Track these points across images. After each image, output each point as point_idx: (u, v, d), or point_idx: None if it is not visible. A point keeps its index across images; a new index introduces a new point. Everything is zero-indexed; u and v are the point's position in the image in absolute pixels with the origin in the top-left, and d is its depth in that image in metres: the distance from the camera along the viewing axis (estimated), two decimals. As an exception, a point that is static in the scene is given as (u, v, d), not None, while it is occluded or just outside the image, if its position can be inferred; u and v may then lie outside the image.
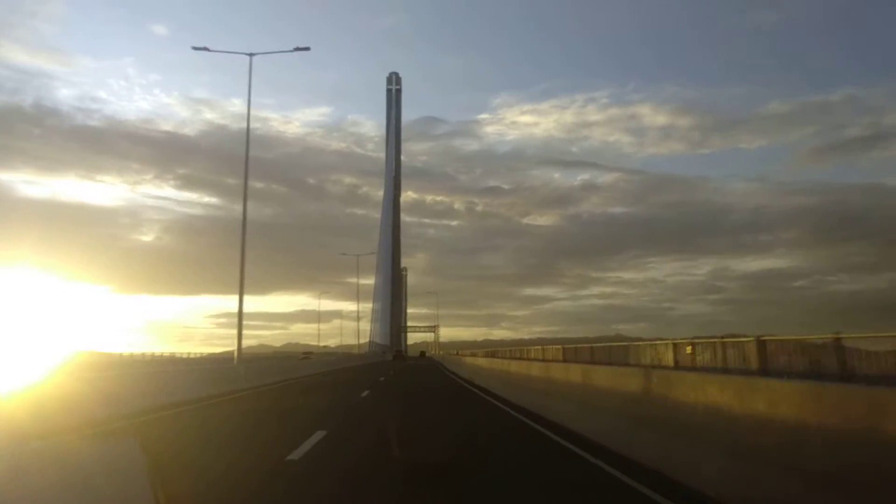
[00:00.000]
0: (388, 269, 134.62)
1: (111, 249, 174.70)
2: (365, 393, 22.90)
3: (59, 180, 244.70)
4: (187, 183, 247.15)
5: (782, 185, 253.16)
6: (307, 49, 32.09)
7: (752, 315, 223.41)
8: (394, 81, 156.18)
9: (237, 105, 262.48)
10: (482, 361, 34.67)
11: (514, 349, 39.73)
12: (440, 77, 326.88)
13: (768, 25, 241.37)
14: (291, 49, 32.32)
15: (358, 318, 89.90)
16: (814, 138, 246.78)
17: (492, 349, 51.71)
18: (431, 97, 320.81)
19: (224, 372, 24.59)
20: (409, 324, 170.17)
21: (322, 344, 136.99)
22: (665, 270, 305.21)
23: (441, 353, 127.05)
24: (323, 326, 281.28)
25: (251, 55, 31.58)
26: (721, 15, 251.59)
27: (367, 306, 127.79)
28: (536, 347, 32.04)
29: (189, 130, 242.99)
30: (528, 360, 27.33)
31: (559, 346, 25.07)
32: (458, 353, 74.57)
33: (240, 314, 29.41)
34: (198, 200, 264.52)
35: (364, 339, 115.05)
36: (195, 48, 31.04)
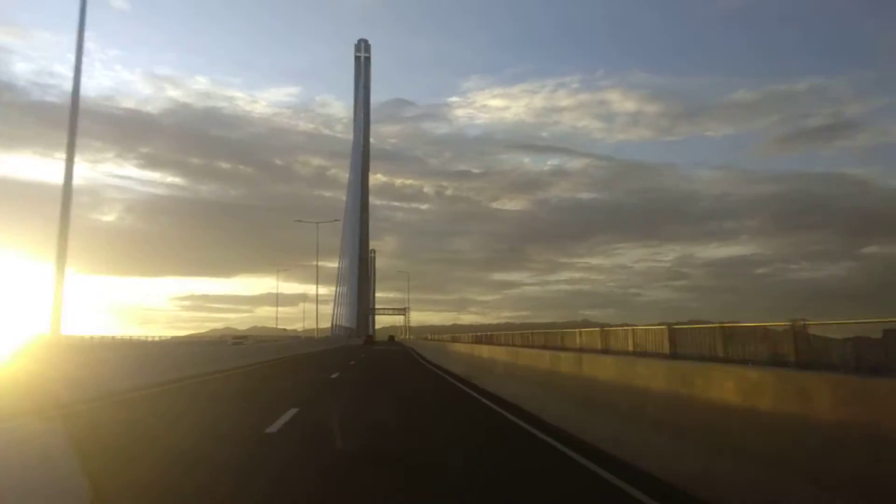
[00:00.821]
0: (356, 246, 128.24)
1: (71, 229, 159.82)
2: (290, 413, 11.33)
3: (16, 157, 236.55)
4: (150, 162, 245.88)
5: (747, 173, 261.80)
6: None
7: (716, 301, 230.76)
8: (363, 49, 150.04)
9: (202, 83, 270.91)
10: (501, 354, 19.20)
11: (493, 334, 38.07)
12: (410, 59, 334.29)
13: (736, 14, 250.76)
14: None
15: (317, 301, 79.32)
16: (778, 127, 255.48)
17: (476, 333, 48.78)
18: (401, 79, 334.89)
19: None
20: (377, 307, 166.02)
21: (290, 328, 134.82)
22: (632, 256, 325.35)
23: (411, 337, 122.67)
24: (290, 309, 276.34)
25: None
26: (690, 3, 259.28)
27: (333, 290, 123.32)
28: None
29: (152, 108, 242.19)
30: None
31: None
32: (433, 338, 68.18)
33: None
34: (161, 180, 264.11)
35: (331, 324, 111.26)
36: None
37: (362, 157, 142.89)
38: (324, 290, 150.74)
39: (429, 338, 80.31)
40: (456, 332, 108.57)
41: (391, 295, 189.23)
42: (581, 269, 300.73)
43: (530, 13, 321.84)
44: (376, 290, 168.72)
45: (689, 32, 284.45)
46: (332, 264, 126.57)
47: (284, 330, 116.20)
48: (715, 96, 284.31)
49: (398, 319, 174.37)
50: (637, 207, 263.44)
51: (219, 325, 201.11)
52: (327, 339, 75.96)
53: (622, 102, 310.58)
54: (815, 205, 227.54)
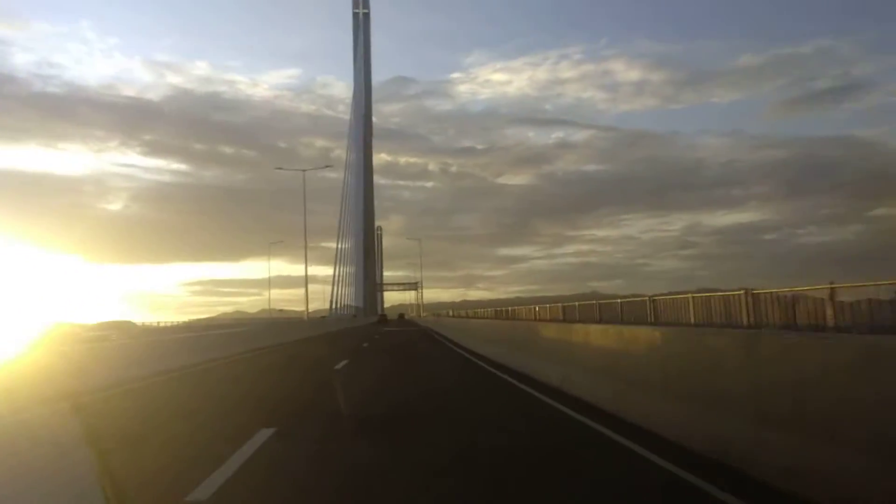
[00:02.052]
0: (360, 219, 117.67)
1: (78, 219, 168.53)
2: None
3: (21, 149, 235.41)
4: (153, 149, 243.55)
5: (754, 138, 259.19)
6: None
7: (724, 268, 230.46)
8: (361, 4, 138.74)
9: (202, 68, 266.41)
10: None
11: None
12: (411, 36, 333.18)
13: None
14: None
15: (307, 281, 66.14)
16: (785, 91, 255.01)
17: (497, 309, 43.61)
18: (403, 56, 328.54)
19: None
20: (385, 283, 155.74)
21: (300, 309, 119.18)
22: (639, 227, 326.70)
23: (424, 314, 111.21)
24: (299, 291, 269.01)
25: None
26: None
27: (341, 269, 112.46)
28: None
29: (153, 95, 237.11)
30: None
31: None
32: (453, 315, 59.82)
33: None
34: (165, 167, 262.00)
35: (330, 304, 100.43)
36: None
37: (364, 119, 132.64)
38: (331, 271, 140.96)
39: (447, 314, 70.00)
40: (465, 308, 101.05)
41: (399, 273, 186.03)
42: (588, 241, 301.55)
43: None
44: (384, 269, 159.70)
45: None
46: (341, 245, 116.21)
47: (282, 311, 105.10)
48: (720, 62, 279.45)
49: (407, 297, 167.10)
50: (643, 177, 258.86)
51: (229, 309, 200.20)
52: (323, 321, 60.67)
53: (626, 72, 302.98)
54: (824, 168, 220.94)
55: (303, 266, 79.54)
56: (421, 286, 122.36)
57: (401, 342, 32.11)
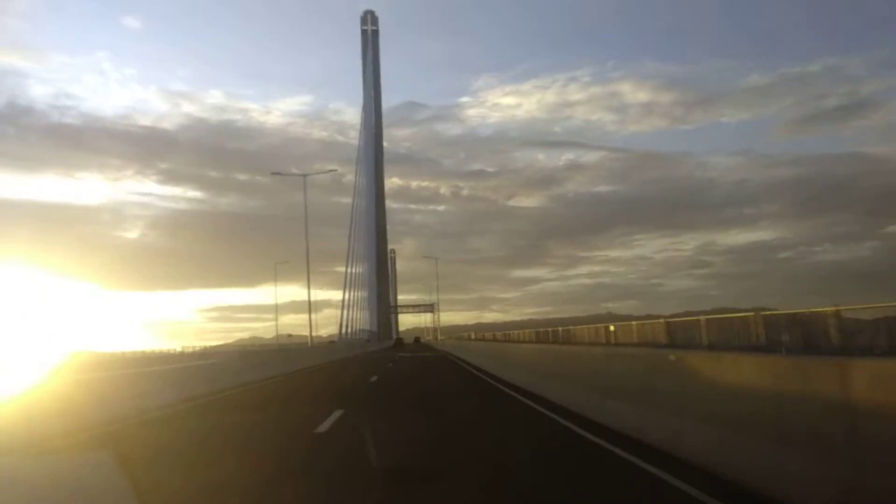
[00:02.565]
0: (372, 240, 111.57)
1: (96, 248, 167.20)
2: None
3: (39, 179, 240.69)
4: (169, 178, 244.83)
5: (764, 157, 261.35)
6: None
7: (739, 288, 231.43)
8: (369, 21, 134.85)
9: (216, 97, 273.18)
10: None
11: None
12: (421, 61, 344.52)
13: None
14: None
15: (310, 303, 58.71)
16: (794, 109, 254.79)
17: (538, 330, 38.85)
18: (412, 82, 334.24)
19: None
20: (400, 305, 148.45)
21: (315, 334, 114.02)
22: (652, 247, 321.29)
23: (442, 337, 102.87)
24: (314, 316, 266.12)
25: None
26: None
27: (354, 293, 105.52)
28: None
29: (168, 124, 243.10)
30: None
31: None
32: (475, 338, 53.35)
33: None
34: (181, 195, 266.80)
35: (354, 328, 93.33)
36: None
37: (375, 137, 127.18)
38: (346, 296, 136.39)
39: (468, 337, 62.79)
40: (480, 331, 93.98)
41: (413, 296, 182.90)
42: (601, 262, 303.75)
43: (538, 8, 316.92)
44: (398, 293, 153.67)
45: (698, 19, 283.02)
46: (352, 269, 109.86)
47: (291, 336, 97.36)
48: (728, 82, 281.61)
49: (422, 320, 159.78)
50: (654, 198, 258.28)
51: (245, 335, 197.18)
52: (331, 347, 52.53)
53: (634, 93, 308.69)
54: (836, 186, 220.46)
55: (318, 291, 74.04)
56: (437, 308, 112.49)
57: (421, 375, 25.19)
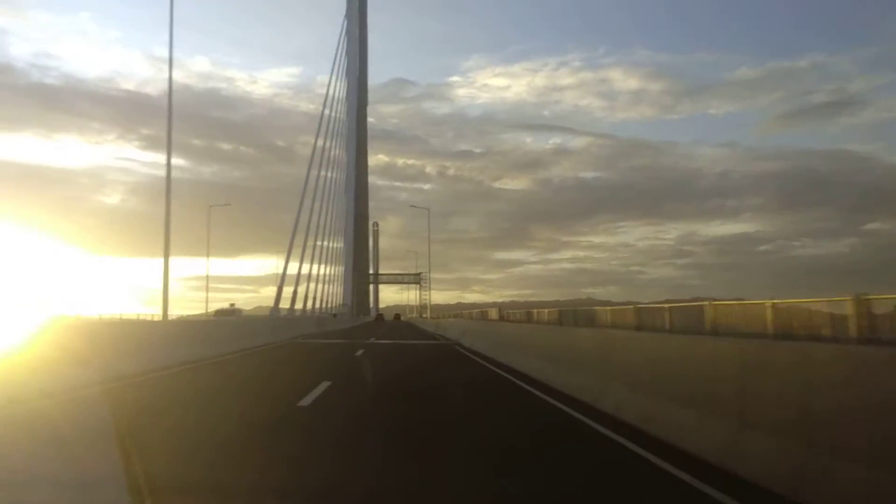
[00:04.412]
0: (352, 201, 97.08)
1: (74, 211, 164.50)
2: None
3: (17, 139, 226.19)
4: (151, 144, 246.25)
5: (749, 150, 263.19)
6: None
7: (718, 279, 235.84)
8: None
9: (202, 64, 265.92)
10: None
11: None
12: (412, 39, 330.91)
13: None
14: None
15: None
16: (781, 104, 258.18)
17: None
18: (402, 59, 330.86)
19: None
20: (381, 274, 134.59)
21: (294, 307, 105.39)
22: (635, 235, 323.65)
23: (425, 316, 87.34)
24: (292, 289, 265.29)
25: None
26: None
27: (309, 265, 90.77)
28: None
29: (151, 90, 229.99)
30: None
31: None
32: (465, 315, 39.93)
33: None
34: (163, 162, 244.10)
35: (328, 303, 79.92)
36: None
37: (358, 91, 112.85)
38: (329, 270, 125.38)
39: (464, 315, 49.19)
40: (461, 310, 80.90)
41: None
42: (584, 247, 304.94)
43: None
44: (379, 270, 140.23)
45: (691, 9, 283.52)
46: (331, 243, 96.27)
47: (232, 305, 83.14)
48: (717, 74, 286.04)
49: (405, 297, 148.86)
50: (639, 186, 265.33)
51: (224, 305, 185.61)
52: (274, 323, 34.63)
53: (624, 80, 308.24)
54: (818, 182, 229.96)
55: (299, 265, 60.78)
56: (426, 281, 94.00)
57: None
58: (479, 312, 45.12)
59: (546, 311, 25.80)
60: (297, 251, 59.55)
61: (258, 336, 24.37)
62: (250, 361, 17.90)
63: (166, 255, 23.04)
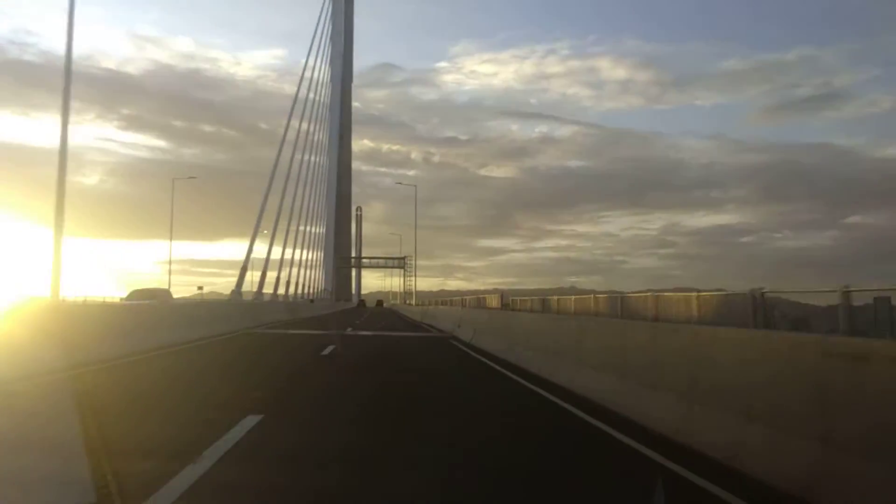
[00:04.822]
0: (333, 179, 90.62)
1: (52, 191, 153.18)
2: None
3: None
4: (132, 124, 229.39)
5: (735, 142, 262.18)
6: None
7: (701, 269, 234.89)
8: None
9: (185, 44, 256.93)
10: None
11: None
12: (399, 23, 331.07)
13: None
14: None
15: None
16: (767, 97, 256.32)
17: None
18: (389, 43, 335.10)
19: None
20: (364, 257, 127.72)
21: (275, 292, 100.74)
22: (619, 224, 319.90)
23: (411, 303, 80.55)
24: (274, 274, 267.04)
25: None
26: None
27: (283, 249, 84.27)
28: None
29: (133, 69, 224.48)
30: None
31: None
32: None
33: None
34: (143, 143, 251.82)
35: (301, 287, 73.24)
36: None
37: (343, 65, 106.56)
38: (309, 255, 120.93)
39: (457, 302, 43.59)
40: (443, 297, 75.46)
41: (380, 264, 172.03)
42: (568, 236, 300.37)
43: None
44: (362, 255, 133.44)
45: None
46: (310, 227, 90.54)
47: (200, 289, 76.67)
48: (705, 65, 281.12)
49: (388, 284, 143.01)
50: (625, 175, 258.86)
51: (205, 290, 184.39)
52: (229, 309, 27.37)
53: (612, 70, 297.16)
54: (802, 175, 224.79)
55: (290, 249, 55.30)
56: (415, 260, 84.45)
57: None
58: (473, 299, 38.90)
59: (572, 298, 19.61)
60: (270, 235, 53.83)
61: (198, 326, 18.35)
62: (143, 370, 11.80)
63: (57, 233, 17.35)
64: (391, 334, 24.96)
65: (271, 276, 53.62)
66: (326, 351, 15.92)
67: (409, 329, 28.83)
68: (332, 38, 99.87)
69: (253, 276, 50.36)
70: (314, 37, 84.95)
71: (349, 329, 27.00)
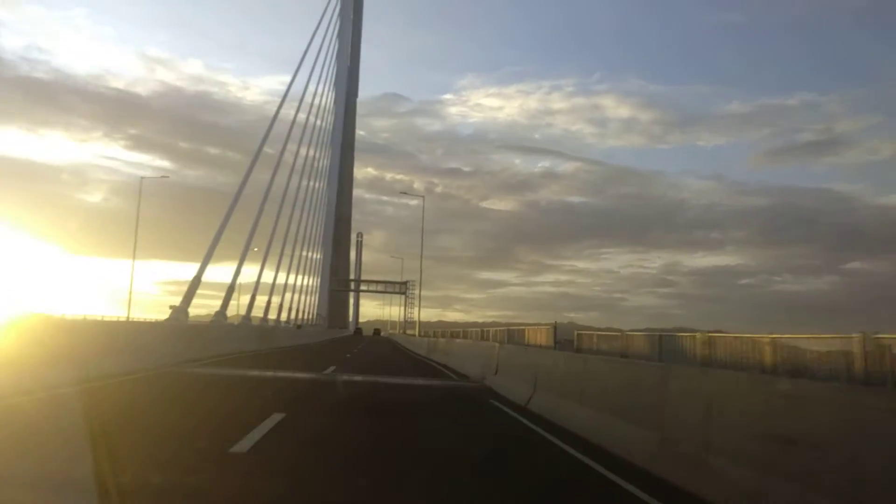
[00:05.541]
0: (333, 198, 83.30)
1: (55, 208, 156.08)
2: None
3: (1, 132, 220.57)
4: (138, 144, 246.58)
5: (736, 184, 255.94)
6: None
7: (700, 310, 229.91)
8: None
9: (195, 67, 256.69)
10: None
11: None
12: (406, 54, 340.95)
13: (734, 27, 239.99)
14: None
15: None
16: (769, 140, 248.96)
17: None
18: (396, 74, 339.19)
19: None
20: (363, 280, 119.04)
21: (271, 317, 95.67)
22: (619, 262, 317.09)
23: (410, 333, 71.46)
24: (274, 298, 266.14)
25: None
26: (690, 13, 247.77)
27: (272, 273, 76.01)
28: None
29: (141, 89, 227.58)
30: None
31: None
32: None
33: None
34: (149, 163, 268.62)
35: (294, 313, 65.27)
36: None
37: (348, 84, 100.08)
38: (312, 282, 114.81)
39: (470, 334, 35.46)
40: (444, 329, 67.21)
41: (378, 289, 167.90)
42: (567, 271, 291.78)
43: (531, 10, 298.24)
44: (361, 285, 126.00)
45: (686, 42, 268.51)
46: (309, 252, 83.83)
47: (171, 307, 69.25)
48: (708, 107, 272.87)
49: (387, 313, 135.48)
50: (626, 213, 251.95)
51: (202, 312, 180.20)
52: (165, 333, 18.74)
53: (616, 108, 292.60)
54: (802, 219, 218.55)
55: (281, 273, 49.32)
56: (420, 285, 73.71)
57: None
58: (503, 331, 30.14)
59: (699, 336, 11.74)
60: (263, 258, 47.35)
61: (92, 362, 10.62)
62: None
63: None
64: (395, 381, 16.88)
65: (263, 300, 47.05)
66: (259, 428, 7.81)
67: (419, 373, 20.61)
68: (339, 44, 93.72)
69: (241, 301, 45.66)
70: (316, 57, 78.29)
71: (331, 368, 19.00)
